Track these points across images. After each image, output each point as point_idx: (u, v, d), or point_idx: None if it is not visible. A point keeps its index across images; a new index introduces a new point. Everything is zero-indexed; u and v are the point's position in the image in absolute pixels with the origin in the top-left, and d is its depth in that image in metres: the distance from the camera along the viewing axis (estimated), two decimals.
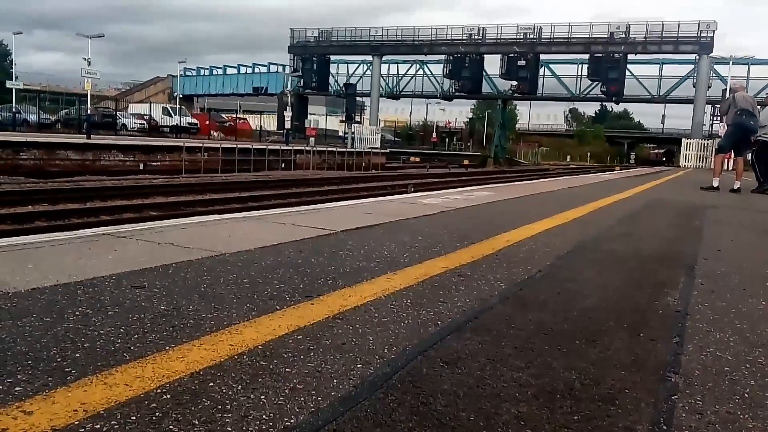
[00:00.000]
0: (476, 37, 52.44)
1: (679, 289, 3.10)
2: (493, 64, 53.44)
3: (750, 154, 12.66)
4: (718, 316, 2.62)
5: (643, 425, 1.57)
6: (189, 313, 2.22)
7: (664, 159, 75.49)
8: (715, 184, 11.80)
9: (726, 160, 13.51)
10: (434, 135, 70.41)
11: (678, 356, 2.10)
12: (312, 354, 1.89)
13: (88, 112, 31.79)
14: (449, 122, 80.00)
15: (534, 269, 3.34)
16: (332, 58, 59.27)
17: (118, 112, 42.52)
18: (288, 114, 42.91)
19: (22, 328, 1.96)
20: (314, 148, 33.60)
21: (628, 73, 48.95)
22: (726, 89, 35.10)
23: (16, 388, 1.54)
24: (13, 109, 39.01)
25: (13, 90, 39.99)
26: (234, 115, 57.74)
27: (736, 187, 11.67)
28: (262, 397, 1.58)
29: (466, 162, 52.36)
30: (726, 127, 12.44)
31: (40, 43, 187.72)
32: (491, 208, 6.69)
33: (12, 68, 46.85)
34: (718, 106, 40.36)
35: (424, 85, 59.22)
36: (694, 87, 47.44)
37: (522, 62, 50.60)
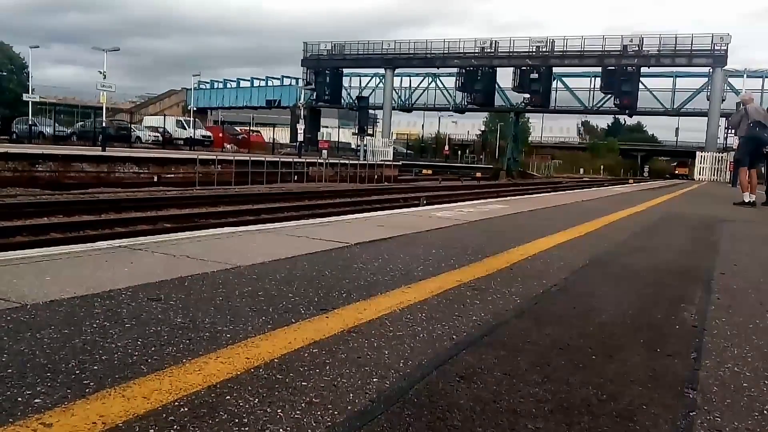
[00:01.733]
0: (489, 50, 52.49)
1: (696, 304, 3.08)
2: (505, 77, 53.46)
3: (764, 167, 12.53)
4: (736, 332, 2.60)
5: None
6: (205, 325, 2.23)
7: (677, 172, 74.53)
8: (747, 199, 11.48)
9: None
10: (446, 147, 70.45)
11: (696, 372, 2.08)
12: (328, 368, 1.90)
13: (104, 124, 32.12)
14: (447, 134, 79.85)
15: (549, 283, 3.33)
16: (345, 71, 59.50)
17: (132, 125, 42.88)
18: (301, 126, 43.08)
19: (40, 340, 1.98)
20: (327, 161, 33.71)
21: (641, 85, 48.78)
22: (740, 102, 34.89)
23: (36, 400, 1.56)
24: (30, 122, 39.45)
25: (30, 103, 40.45)
26: (247, 128, 58.00)
27: (749, 200, 11.54)
28: (279, 410, 1.59)
29: (478, 174, 52.22)
30: (738, 140, 12.33)
31: (57, 57, 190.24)
32: (505, 221, 6.67)
33: (29, 81, 47.44)
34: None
35: (437, 97, 59.22)
36: (708, 100, 47.18)
37: (535, 75, 50.54)
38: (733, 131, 13.28)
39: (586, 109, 54.34)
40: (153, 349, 1.97)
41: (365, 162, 38.38)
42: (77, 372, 1.75)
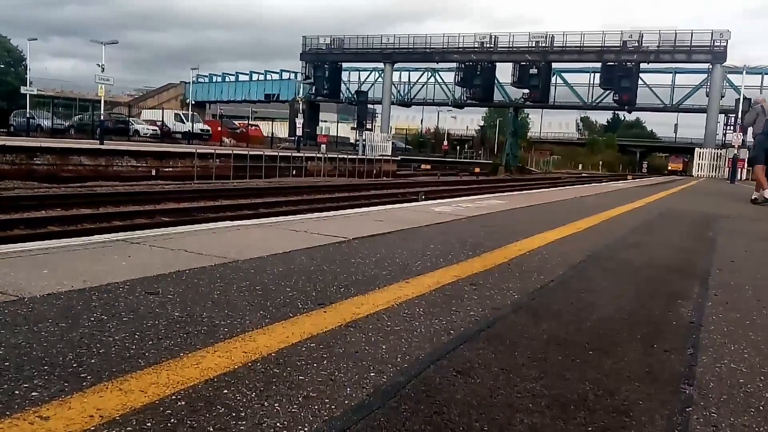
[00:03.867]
0: (488, 45, 52.50)
1: (693, 300, 3.08)
2: (504, 72, 53.57)
3: None
4: (733, 328, 2.60)
5: None
6: (203, 319, 2.23)
7: (671, 168, 74.23)
8: None
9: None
10: (445, 142, 70.47)
11: (692, 368, 2.09)
12: (325, 362, 1.90)
13: (102, 118, 32.08)
14: (446, 129, 79.73)
15: (547, 278, 3.33)
16: (344, 65, 59.52)
17: (130, 118, 42.85)
18: (299, 121, 43.10)
19: (38, 334, 1.98)
20: (325, 155, 33.71)
21: (640, 81, 48.82)
22: (739, 99, 35.04)
23: (33, 393, 1.55)
24: (27, 115, 39.37)
25: (28, 95, 40.36)
26: (246, 122, 57.94)
27: (753, 196, 11.54)
28: (276, 404, 1.59)
29: (477, 170, 52.28)
30: (754, 138, 12.36)
31: (55, 50, 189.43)
32: (503, 217, 6.67)
33: (26, 74, 47.33)
34: (732, 115, 40.18)
35: (436, 92, 59.29)
36: (707, 96, 47.26)
37: (534, 70, 50.60)
38: (744, 130, 13.33)
39: (585, 104, 54.43)
40: (150, 342, 1.97)
41: (364, 157, 38.40)
42: (74, 365, 1.75)
